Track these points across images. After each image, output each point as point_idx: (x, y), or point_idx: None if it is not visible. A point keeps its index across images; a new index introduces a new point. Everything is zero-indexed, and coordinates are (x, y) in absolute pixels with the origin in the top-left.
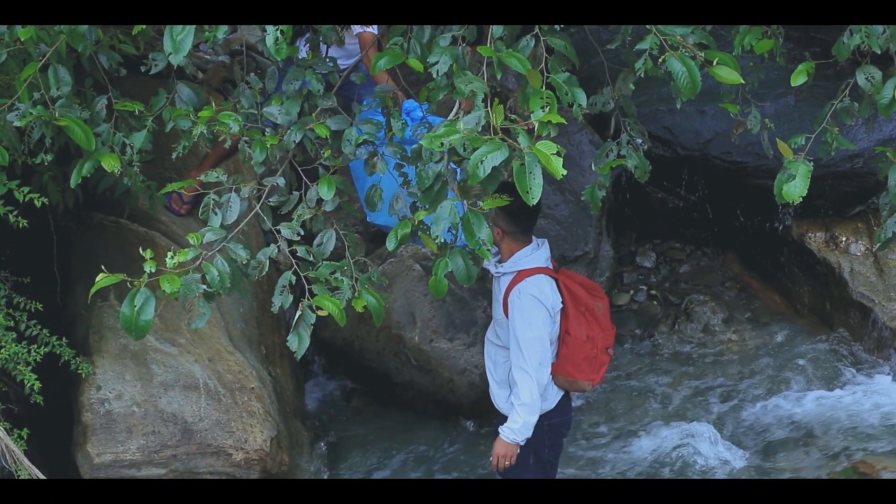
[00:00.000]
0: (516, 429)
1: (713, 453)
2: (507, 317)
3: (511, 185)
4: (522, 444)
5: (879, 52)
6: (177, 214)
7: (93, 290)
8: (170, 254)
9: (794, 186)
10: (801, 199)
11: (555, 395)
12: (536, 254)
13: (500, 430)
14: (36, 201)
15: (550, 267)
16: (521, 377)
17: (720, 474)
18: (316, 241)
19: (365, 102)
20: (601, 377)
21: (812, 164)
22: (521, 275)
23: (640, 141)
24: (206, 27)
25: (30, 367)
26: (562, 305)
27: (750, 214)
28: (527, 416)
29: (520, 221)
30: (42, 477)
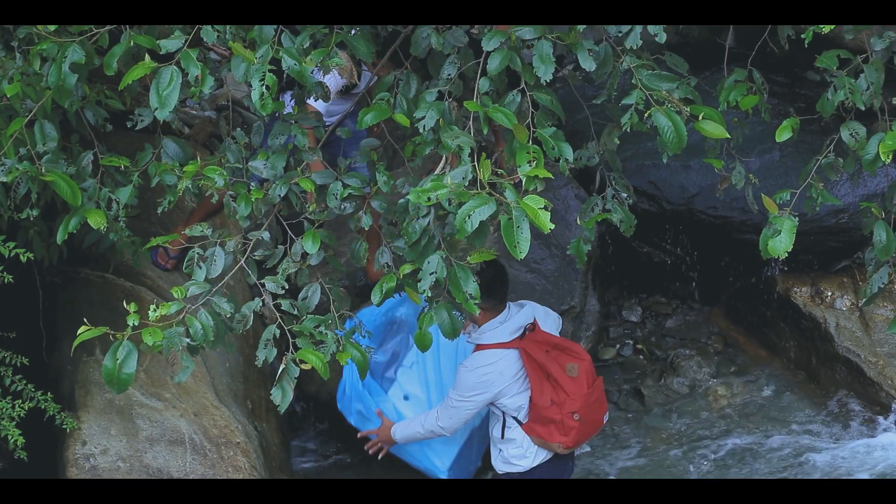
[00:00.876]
0: (401, 430)
1: None
2: None
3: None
4: (397, 442)
5: (864, 108)
6: (163, 269)
7: (76, 343)
8: (152, 307)
9: (780, 241)
10: (786, 254)
11: (534, 455)
12: (502, 327)
13: (395, 424)
14: (21, 256)
15: (515, 337)
16: (436, 416)
17: None
18: (301, 295)
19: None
20: (573, 440)
21: (797, 219)
22: (477, 348)
23: (626, 195)
24: (192, 83)
25: (14, 423)
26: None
27: (735, 269)
28: (411, 432)
29: (494, 294)
30: None
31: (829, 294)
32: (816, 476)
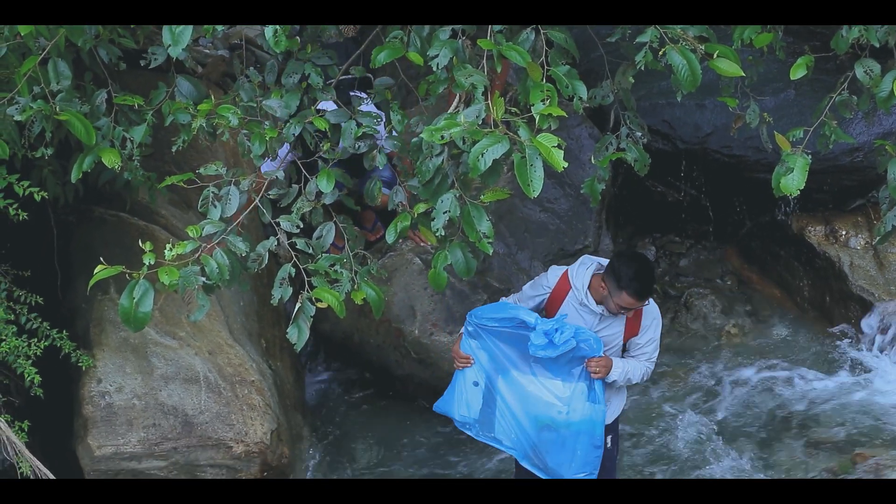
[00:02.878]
0: (621, 371)
1: (710, 446)
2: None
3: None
4: (614, 379)
5: (878, 45)
6: None
7: (92, 282)
8: (168, 246)
9: (792, 179)
10: (798, 192)
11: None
12: None
13: (615, 360)
14: (36, 195)
15: None
16: (646, 368)
17: (715, 467)
18: (315, 234)
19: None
20: None
21: (810, 157)
22: None
23: (640, 134)
24: None
25: (30, 361)
26: None
27: (749, 208)
28: (629, 369)
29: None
30: (42, 468)
31: (844, 233)
32: (828, 409)
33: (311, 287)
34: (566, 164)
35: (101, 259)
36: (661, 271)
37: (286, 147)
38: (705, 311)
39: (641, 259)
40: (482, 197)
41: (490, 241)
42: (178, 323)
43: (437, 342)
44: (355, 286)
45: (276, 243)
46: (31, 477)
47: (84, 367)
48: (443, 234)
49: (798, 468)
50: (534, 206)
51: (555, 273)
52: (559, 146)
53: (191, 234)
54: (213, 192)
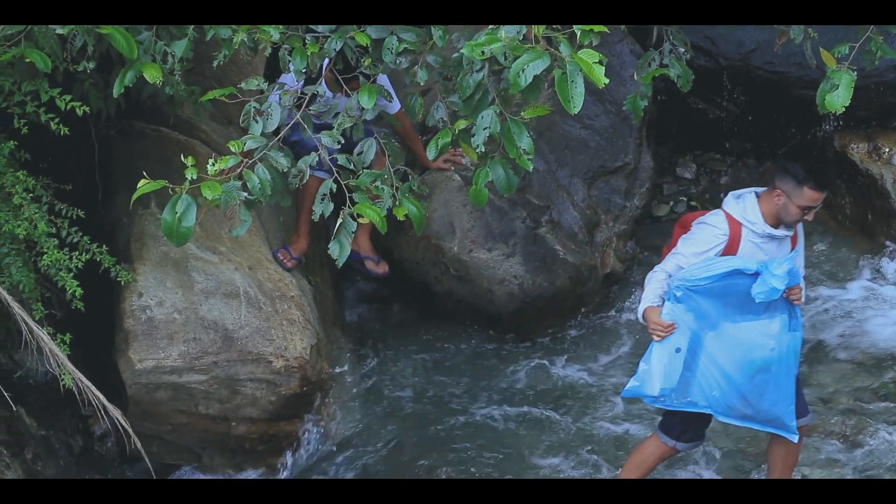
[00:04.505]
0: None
1: None
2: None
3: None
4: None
5: None
6: (283, 267)
7: (135, 196)
8: (210, 161)
9: (837, 96)
10: (843, 110)
11: None
12: None
13: None
14: (77, 109)
15: None
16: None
17: None
18: (357, 150)
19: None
20: None
21: (855, 73)
22: None
23: (683, 50)
24: None
25: (71, 274)
26: None
27: (792, 125)
28: None
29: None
30: (84, 380)
31: (887, 150)
32: (869, 325)
33: (353, 203)
34: (607, 81)
35: (144, 173)
36: (702, 189)
37: (291, 77)
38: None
39: (810, 155)
40: (522, 113)
41: (530, 157)
42: (218, 238)
43: (477, 259)
44: (396, 202)
45: (317, 159)
46: (73, 388)
47: (124, 282)
48: (483, 150)
49: (840, 386)
50: (574, 122)
51: (716, 220)
52: (600, 62)
53: (232, 149)
54: (254, 107)
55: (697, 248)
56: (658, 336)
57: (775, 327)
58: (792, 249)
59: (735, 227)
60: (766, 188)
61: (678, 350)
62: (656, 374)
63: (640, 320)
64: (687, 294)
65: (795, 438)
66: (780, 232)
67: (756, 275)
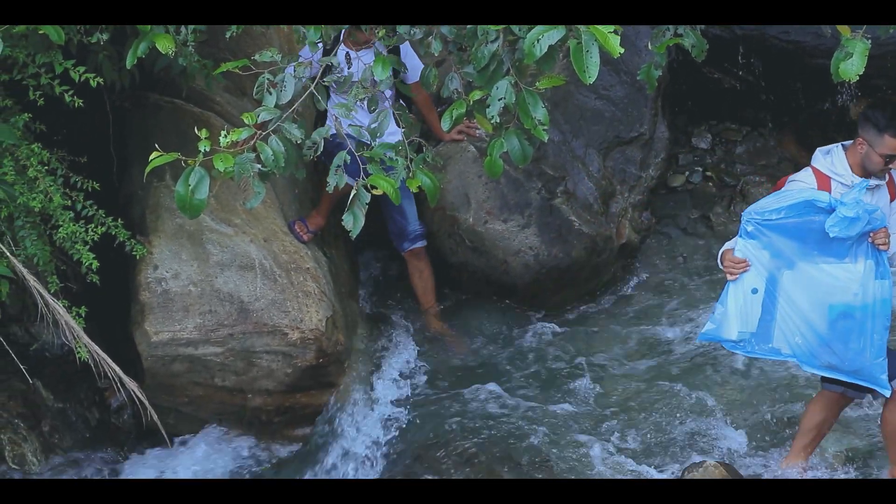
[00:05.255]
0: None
1: None
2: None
3: None
4: (894, 251)
5: None
6: (299, 240)
7: (148, 169)
8: (223, 132)
9: (851, 64)
10: (857, 78)
11: None
12: None
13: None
14: (91, 81)
15: None
16: None
17: None
18: (370, 121)
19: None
20: None
21: (870, 42)
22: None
23: None
24: None
25: (87, 247)
26: None
27: (807, 95)
28: None
29: None
30: (100, 352)
31: None
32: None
33: (367, 174)
34: (622, 51)
35: (157, 146)
36: (717, 159)
37: (307, 50)
38: (761, 198)
39: (892, 103)
40: (537, 83)
41: (545, 127)
42: (233, 210)
43: (492, 230)
44: (410, 173)
45: (331, 130)
46: (89, 361)
47: (139, 256)
48: (498, 121)
49: None
50: (589, 93)
51: (804, 175)
52: (615, 32)
53: (246, 121)
54: (268, 79)
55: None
56: (731, 274)
57: (859, 271)
58: (892, 200)
59: (823, 180)
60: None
61: (755, 291)
62: (733, 316)
63: (719, 265)
64: (758, 228)
65: (888, 393)
66: (869, 182)
67: (832, 211)
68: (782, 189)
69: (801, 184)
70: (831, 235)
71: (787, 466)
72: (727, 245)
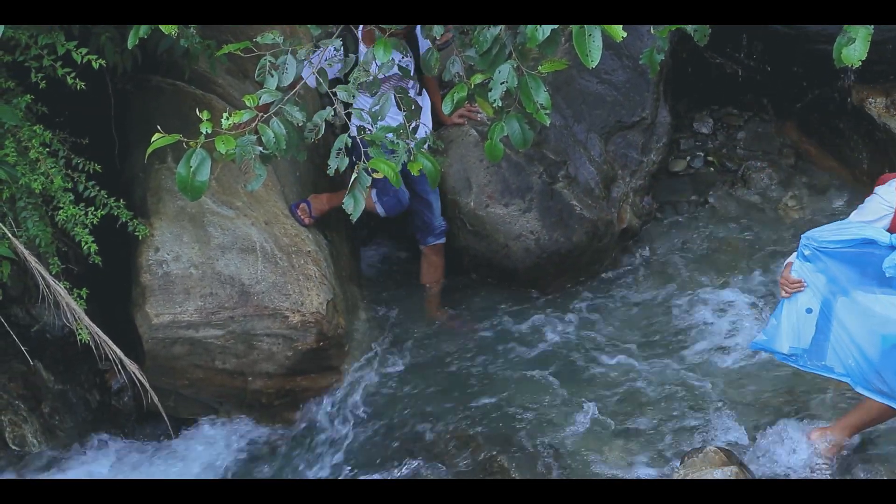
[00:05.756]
0: None
1: (760, 322)
2: None
3: None
4: None
5: None
6: (301, 223)
7: (149, 151)
8: (225, 115)
9: (854, 50)
10: (859, 63)
11: None
12: None
13: None
14: (94, 63)
15: None
16: None
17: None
18: (372, 104)
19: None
20: None
21: (872, 27)
22: None
23: None
24: None
25: (87, 229)
26: None
27: (809, 80)
28: None
29: None
30: (101, 334)
31: None
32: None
33: (368, 157)
34: (625, 35)
35: (159, 128)
36: (719, 144)
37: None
38: (763, 184)
39: None
40: (540, 67)
41: (547, 111)
42: (234, 193)
43: (493, 214)
44: (411, 157)
45: (332, 113)
46: (90, 343)
47: (141, 237)
48: (500, 105)
49: None
50: (591, 77)
51: (886, 191)
52: None
53: (247, 104)
54: (269, 62)
55: (864, 218)
56: (785, 292)
57: None
58: None
59: None
60: None
61: (809, 311)
62: (785, 331)
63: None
64: (815, 254)
65: None
66: None
67: (893, 248)
68: (864, 206)
69: (879, 199)
70: (888, 276)
71: (820, 438)
72: (791, 258)
